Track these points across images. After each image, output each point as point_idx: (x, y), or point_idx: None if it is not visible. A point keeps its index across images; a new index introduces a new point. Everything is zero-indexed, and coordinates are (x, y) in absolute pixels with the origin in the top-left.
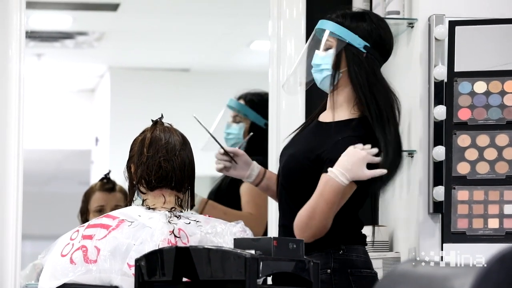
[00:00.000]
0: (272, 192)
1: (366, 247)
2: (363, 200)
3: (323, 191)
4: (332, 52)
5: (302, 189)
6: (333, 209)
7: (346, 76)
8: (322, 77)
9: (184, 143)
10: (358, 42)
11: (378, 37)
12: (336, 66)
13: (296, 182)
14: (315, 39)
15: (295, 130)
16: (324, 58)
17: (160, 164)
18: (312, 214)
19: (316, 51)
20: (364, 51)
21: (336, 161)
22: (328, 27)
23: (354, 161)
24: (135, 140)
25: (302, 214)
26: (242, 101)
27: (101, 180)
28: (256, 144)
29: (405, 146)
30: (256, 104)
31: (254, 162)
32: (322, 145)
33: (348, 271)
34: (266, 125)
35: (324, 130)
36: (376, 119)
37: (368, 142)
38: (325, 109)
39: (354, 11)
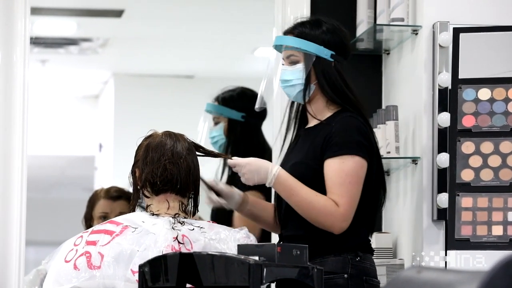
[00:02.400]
0: (255, 216)
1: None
2: (377, 206)
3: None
4: (300, 66)
5: (317, 191)
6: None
7: (318, 87)
8: (295, 91)
9: (190, 149)
10: (325, 53)
11: (340, 42)
12: (307, 80)
13: (309, 186)
14: (279, 55)
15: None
16: (294, 73)
17: (165, 166)
18: None
19: (283, 66)
20: (332, 60)
21: (342, 142)
22: (292, 43)
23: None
24: (140, 145)
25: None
26: (216, 103)
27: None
28: (239, 138)
29: (409, 153)
30: (228, 100)
31: (235, 190)
32: (321, 141)
33: (363, 278)
34: (244, 117)
35: (315, 131)
36: (355, 108)
37: (359, 119)
38: (302, 121)
39: (308, 20)
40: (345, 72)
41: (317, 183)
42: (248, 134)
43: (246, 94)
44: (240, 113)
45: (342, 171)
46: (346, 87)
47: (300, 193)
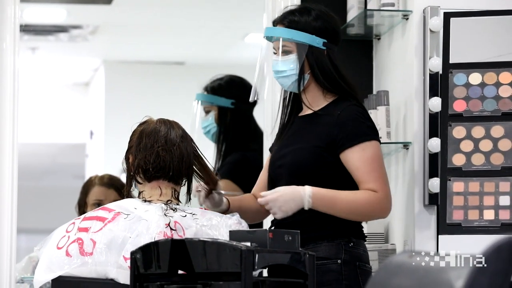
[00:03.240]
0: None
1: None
2: None
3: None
4: (293, 57)
5: (318, 178)
6: None
7: (312, 76)
8: (289, 82)
9: (185, 136)
10: (317, 41)
11: (331, 29)
12: (301, 70)
13: (311, 172)
14: (271, 46)
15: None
16: (287, 64)
17: (158, 153)
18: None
19: (275, 56)
20: (324, 48)
21: (356, 131)
22: (284, 34)
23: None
24: (134, 131)
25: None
26: (205, 92)
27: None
28: (229, 125)
29: (400, 138)
30: (217, 89)
31: (224, 201)
32: (325, 130)
33: (356, 264)
34: (233, 104)
35: (315, 119)
36: (351, 96)
37: (360, 107)
38: (294, 108)
39: (297, 9)
40: (337, 59)
41: (318, 167)
42: (238, 121)
43: (234, 81)
44: (229, 100)
45: (367, 158)
46: (338, 75)
47: (340, 200)
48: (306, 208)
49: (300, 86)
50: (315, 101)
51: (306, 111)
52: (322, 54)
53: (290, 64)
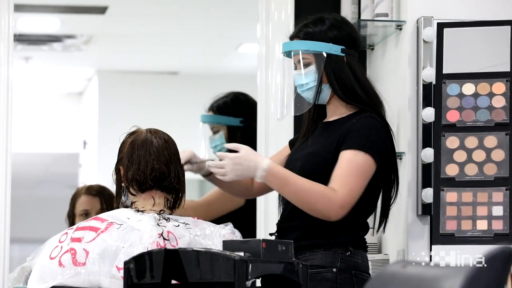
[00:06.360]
0: (219, 184)
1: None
2: (375, 206)
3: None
4: (313, 68)
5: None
6: None
7: (331, 87)
8: (313, 94)
9: (172, 144)
10: (335, 49)
11: (347, 35)
12: (322, 80)
13: (320, 178)
14: (290, 61)
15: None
16: (308, 76)
17: (153, 165)
18: None
19: (296, 71)
20: (343, 54)
21: (359, 139)
22: (300, 46)
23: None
24: (124, 142)
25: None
26: (211, 113)
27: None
28: (240, 142)
29: None
30: (223, 108)
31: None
32: (338, 136)
33: (352, 272)
34: (242, 121)
35: (334, 127)
36: (372, 108)
37: (377, 119)
38: (320, 113)
39: (312, 20)
40: (358, 65)
41: (328, 176)
42: (248, 138)
43: (240, 98)
44: (238, 119)
45: (351, 164)
46: (359, 85)
47: (293, 183)
48: (257, 180)
49: (317, 97)
50: (338, 111)
51: (330, 118)
52: (342, 61)
53: (310, 76)
